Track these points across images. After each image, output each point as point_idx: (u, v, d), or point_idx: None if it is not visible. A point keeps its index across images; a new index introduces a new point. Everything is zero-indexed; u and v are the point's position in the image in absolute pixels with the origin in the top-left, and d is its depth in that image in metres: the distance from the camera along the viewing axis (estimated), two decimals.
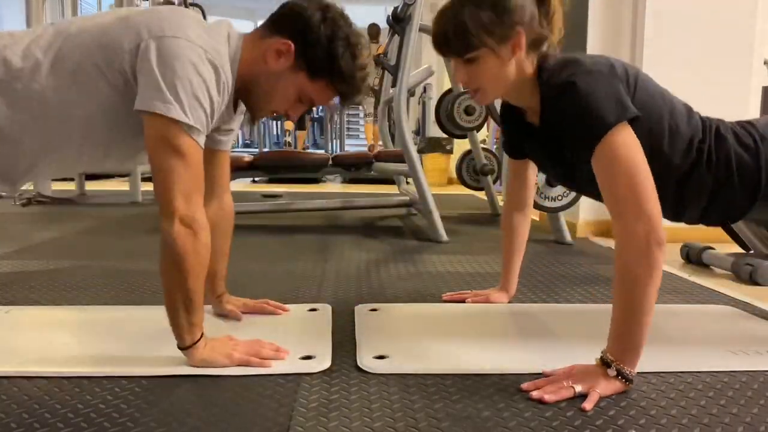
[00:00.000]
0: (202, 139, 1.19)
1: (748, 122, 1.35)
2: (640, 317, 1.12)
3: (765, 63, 3.53)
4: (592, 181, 1.20)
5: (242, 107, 1.39)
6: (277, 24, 1.29)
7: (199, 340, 1.22)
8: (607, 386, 1.13)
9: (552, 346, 1.38)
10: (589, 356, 1.19)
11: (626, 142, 1.16)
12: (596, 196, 1.28)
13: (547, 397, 1.10)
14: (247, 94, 1.31)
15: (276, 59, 1.27)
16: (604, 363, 1.15)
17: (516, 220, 1.71)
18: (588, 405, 1.08)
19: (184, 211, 1.15)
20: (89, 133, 1.24)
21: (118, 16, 1.24)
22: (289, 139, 8.70)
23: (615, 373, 1.14)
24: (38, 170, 1.31)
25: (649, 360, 1.30)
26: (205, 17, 5.31)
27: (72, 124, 1.21)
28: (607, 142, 1.15)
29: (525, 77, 1.29)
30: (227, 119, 1.37)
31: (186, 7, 5.10)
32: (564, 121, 1.21)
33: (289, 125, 8.60)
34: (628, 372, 1.14)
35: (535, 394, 1.12)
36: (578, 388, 1.12)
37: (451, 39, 1.26)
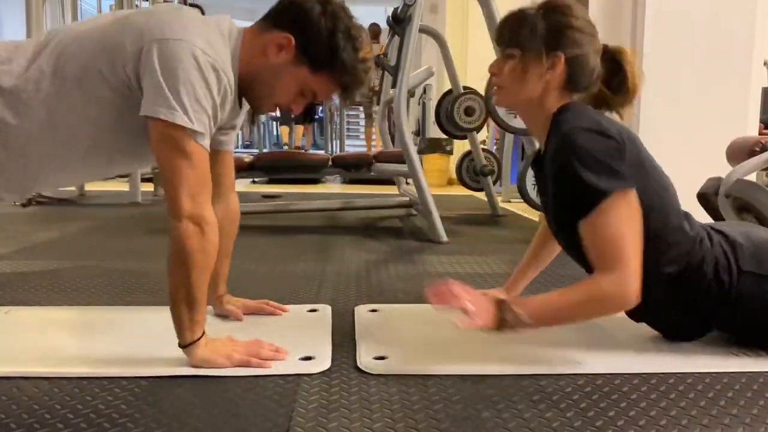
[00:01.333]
0: (206, 142, 1.20)
1: (733, 247, 1.30)
2: (566, 314, 1.25)
3: (765, 64, 3.53)
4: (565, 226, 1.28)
5: (246, 105, 1.39)
6: (276, 18, 1.29)
7: (200, 338, 1.22)
8: (488, 315, 1.19)
9: (552, 347, 1.38)
10: (589, 356, 1.19)
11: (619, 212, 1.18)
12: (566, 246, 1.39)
13: (433, 300, 1.17)
14: (248, 89, 1.31)
15: (276, 53, 1.26)
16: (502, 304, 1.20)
17: (542, 245, 1.63)
18: (461, 322, 1.14)
19: (190, 209, 1.16)
20: (94, 139, 1.24)
21: (116, 18, 1.24)
22: (299, 143, 8.66)
23: (506, 308, 1.19)
24: (44, 179, 1.32)
25: (650, 361, 1.30)
26: None
27: (77, 130, 1.22)
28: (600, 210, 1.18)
29: (546, 108, 1.31)
30: (233, 116, 1.38)
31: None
32: (561, 179, 1.24)
33: (284, 132, 8.58)
34: (517, 312, 1.18)
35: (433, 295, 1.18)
36: (468, 305, 1.16)
37: (506, 28, 1.32)
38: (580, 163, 1.18)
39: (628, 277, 1.17)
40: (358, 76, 1.30)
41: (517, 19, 1.30)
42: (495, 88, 1.36)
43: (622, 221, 1.18)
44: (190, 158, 1.17)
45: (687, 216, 1.35)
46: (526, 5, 1.32)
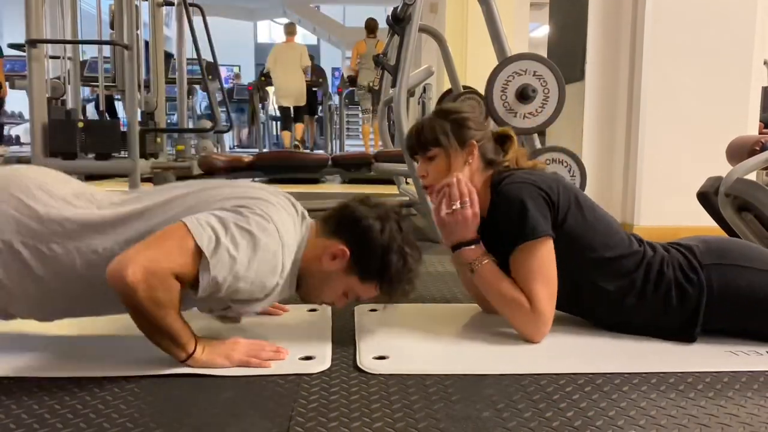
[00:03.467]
0: (204, 280, 1.16)
1: (689, 249, 1.43)
2: (495, 298, 1.44)
3: (765, 63, 3.53)
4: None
5: None
6: (336, 226, 1.34)
7: (195, 350, 1.21)
8: (466, 231, 1.43)
9: (551, 347, 1.38)
10: (589, 356, 1.19)
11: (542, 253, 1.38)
12: None
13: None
14: (299, 282, 1.35)
15: (330, 261, 1.31)
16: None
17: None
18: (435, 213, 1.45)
19: (144, 265, 1.10)
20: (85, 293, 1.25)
21: (221, 184, 1.32)
22: (300, 136, 8.66)
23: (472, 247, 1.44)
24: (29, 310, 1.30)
25: (650, 360, 1.30)
26: (204, 18, 5.31)
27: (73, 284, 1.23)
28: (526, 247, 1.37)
29: (477, 187, 1.48)
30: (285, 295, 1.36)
31: (186, 8, 5.09)
32: (501, 223, 1.42)
33: (286, 136, 8.58)
34: (475, 257, 1.43)
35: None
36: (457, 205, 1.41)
37: (418, 139, 1.52)
38: (512, 209, 1.38)
39: (540, 317, 1.37)
40: (402, 289, 1.36)
41: (427, 127, 1.51)
42: (428, 188, 1.53)
43: (543, 262, 1.38)
44: (179, 257, 1.14)
45: (632, 236, 1.47)
46: (420, 118, 1.55)
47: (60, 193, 1.26)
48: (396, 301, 1.40)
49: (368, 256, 1.31)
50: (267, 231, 1.21)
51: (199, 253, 1.15)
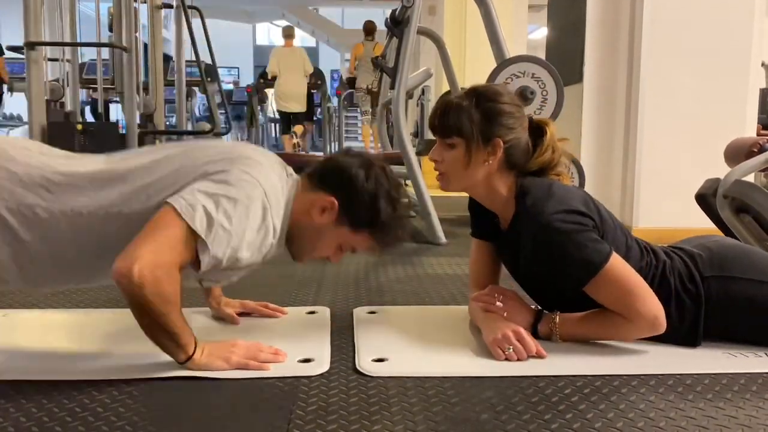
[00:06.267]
0: (205, 260, 1.16)
1: (692, 258, 1.40)
2: (598, 335, 1.38)
3: (762, 65, 3.54)
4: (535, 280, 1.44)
5: None
6: (322, 178, 1.34)
7: (194, 352, 1.20)
8: (523, 319, 1.38)
9: (550, 349, 1.37)
10: (588, 358, 1.18)
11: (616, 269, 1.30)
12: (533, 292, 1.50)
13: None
14: (291, 240, 1.35)
15: (320, 214, 1.31)
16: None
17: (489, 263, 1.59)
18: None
19: (148, 260, 1.09)
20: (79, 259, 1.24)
21: (197, 146, 1.31)
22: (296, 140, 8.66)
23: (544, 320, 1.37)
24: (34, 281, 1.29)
25: (648, 363, 1.30)
26: (203, 21, 5.30)
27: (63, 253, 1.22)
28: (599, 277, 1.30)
29: (495, 188, 1.39)
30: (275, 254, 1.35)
31: (185, 10, 5.09)
32: (547, 260, 1.33)
33: (286, 140, 8.58)
34: (554, 326, 1.36)
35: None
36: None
37: (441, 120, 1.39)
38: (566, 247, 1.29)
39: (653, 315, 1.30)
40: (396, 235, 1.36)
41: (453, 109, 1.37)
42: (438, 174, 1.42)
43: (622, 276, 1.30)
44: (178, 245, 1.13)
45: (638, 241, 1.44)
46: (455, 94, 1.40)
47: (40, 155, 1.25)
48: (392, 248, 1.39)
49: (357, 204, 1.30)
50: (254, 195, 1.20)
51: (194, 234, 1.14)
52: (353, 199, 1.30)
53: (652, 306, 1.30)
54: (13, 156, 1.22)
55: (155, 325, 1.15)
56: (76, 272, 1.27)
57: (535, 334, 1.37)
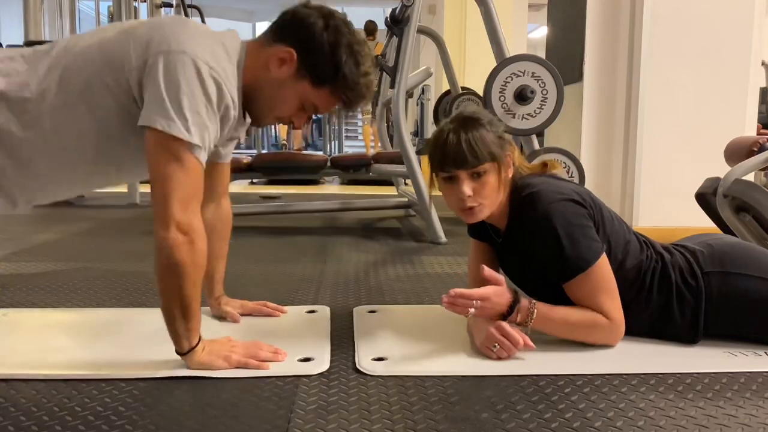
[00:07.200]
0: (203, 156, 1.19)
1: (693, 254, 1.42)
2: (570, 329, 1.37)
3: (762, 64, 3.53)
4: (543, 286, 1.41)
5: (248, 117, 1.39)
6: (279, 31, 1.28)
7: (197, 344, 1.21)
8: (503, 299, 1.32)
9: (550, 348, 1.37)
10: (587, 357, 1.18)
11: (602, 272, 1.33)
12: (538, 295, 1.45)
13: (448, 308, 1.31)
14: (250, 102, 1.31)
15: (278, 67, 1.26)
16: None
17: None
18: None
19: (180, 218, 1.14)
20: (99, 150, 1.24)
21: (123, 29, 1.24)
22: (284, 141, 8.68)
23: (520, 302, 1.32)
24: (53, 190, 1.31)
25: (648, 362, 1.30)
26: (203, 20, 5.31)
27: (83, 142, 1.21)
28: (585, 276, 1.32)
29: (502, 201, 1.40)
30: (235, 128, 1.36)
31: (185, 9, 5.09)
32: (541, 248, 1.35)
33: (283, 128, 8.58)
34: (528, 309, 1.32)
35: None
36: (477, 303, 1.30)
37: (472, 151, 1.32)
38: (560, 238, 1.31)
39: (620, 320, 1.35)
40: (359, 91, 1.30)
41: (478, 139, 1.33)
42: (469, 208, 1.36)
43: (606, 277, 1.34)
44: (184, 168, 1.15)
45: (637, 235, 1.45)
46: (449, 128, 1.36)
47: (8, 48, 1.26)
48: (356, 106, 1.33)
49: (316, 54, 1.24)
50: (203, 75, 1.15)
51: (182, 141, 1.14)
52: (312, 49, 1.24)
53: (619, 315, 1.35)
54: None
55: (176, 296, 1.16)
56: (80, 162, 1.26)
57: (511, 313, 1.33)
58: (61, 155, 1.22)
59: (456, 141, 1.33)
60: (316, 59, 1.25)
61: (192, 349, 1.21)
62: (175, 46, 1.16)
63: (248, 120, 1.38)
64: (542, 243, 1.34)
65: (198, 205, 1.19)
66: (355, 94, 1.30)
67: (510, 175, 1.40)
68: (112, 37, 1.22)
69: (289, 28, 1.27)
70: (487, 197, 1.36)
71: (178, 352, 1.22)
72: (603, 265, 1.33)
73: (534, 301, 1.34)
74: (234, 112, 1.24)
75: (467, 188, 1.34)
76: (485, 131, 1.34)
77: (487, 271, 1.33)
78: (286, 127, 8.52)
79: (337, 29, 1.26)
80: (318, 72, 1.26)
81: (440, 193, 1.45)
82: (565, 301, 1.37)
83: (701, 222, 2.14)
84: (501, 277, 1.35)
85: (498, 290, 1.32)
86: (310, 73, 1.26)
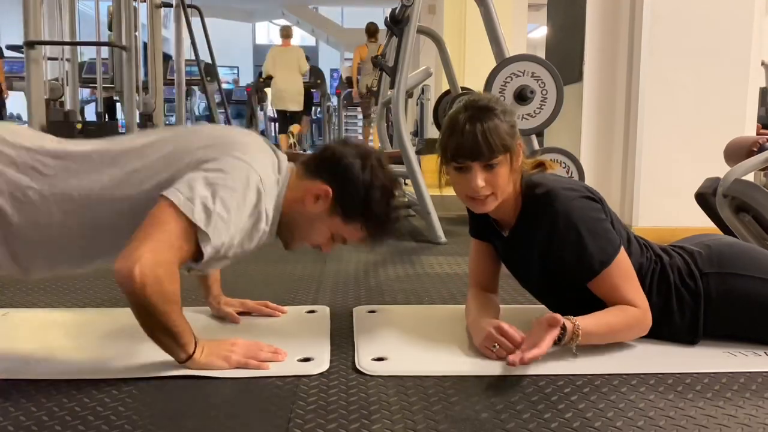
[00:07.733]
0: (207, 250, 1.16)
1: (691, 255, 1.42)
2: (614, 334, 1.35)
3: (762, 64, 3.53)
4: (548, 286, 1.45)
5: None
6: (317, 167, 1.33)
7: (194, 351, 1.20)
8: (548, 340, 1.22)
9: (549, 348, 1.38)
10: (587, 357, 1.18)
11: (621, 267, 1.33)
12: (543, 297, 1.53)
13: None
14: (283, 228, 1.34)
15: (313, 202, 1.30)
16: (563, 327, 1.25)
17: (486, 297, 1.54)
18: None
19: (149, 259, 1.09)
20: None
21: (189, 130, 1.32)
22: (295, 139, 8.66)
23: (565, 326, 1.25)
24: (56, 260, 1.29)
25: (648, 362, 1.30)
26: (203, 20, 5.30)
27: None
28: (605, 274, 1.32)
29: (510, 193, 1.38)
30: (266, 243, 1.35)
31: (185, 9, 5.09)
32: (561, 246, 1.34)
33: (283, 140, 8.56)
34: (574, 327, 1.25)
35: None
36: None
37: (486, 143, 1.30)
38: (581, 234, 1.31)
39: (646, 314, 1.34)
40: (388, 228, 1.35)
41: (492, 129, 1.30)
42: (481, 199, 1.35)
43: (628, 269, 1.34)
44: (177, 242, 1.13)
45: (636, 238, 1.45)
46: (462, 117, 1.33)
47: (32, 137, 1.25)
48: (383, 242, 1.38)
49: (351, 194, 1.29)
50: (249, 182, 1.20)
51: (194, 227, 1.14)
52: (347, 189, 1.29)
53: (645, 298, 1.34)
54: (4, 137, 1.21)
55: (156, 325, 1.15)
56: (67, 256, 1.26)
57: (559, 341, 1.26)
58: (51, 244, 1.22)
59: (471, 132, 1.29)
60: (351, 199, 1.30)
61: (190, 357, 1.20)
62: (235, 152, 1.22)
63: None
64: (562, 242, 1.33)
65: (172, 268, 1.14)
66: (383, 231, 1.35)
67: (520, 163, 1.37)
68: (173, 139, 1.27)
69: (326, 165, 1.33)
70: (499, 187, 1.34)
71: (177, 362, 1.21)
72: (623, 256, 1.34)
73: (573, 319, 1.26)
74: (266, 226, 1.26)
75: (480, 179, 1.32)
76: (499, 121, 1.31)
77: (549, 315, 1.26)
78: (285, 137, 8.51)
79: (373, 171, 1.31)
80: (350, 210, 1.31)
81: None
82: (572, 294, 1.37)
83: (701, 222, 2.14)
84: (557, 315, 1.24)
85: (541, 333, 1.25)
86: (343, 210, 1.31)
